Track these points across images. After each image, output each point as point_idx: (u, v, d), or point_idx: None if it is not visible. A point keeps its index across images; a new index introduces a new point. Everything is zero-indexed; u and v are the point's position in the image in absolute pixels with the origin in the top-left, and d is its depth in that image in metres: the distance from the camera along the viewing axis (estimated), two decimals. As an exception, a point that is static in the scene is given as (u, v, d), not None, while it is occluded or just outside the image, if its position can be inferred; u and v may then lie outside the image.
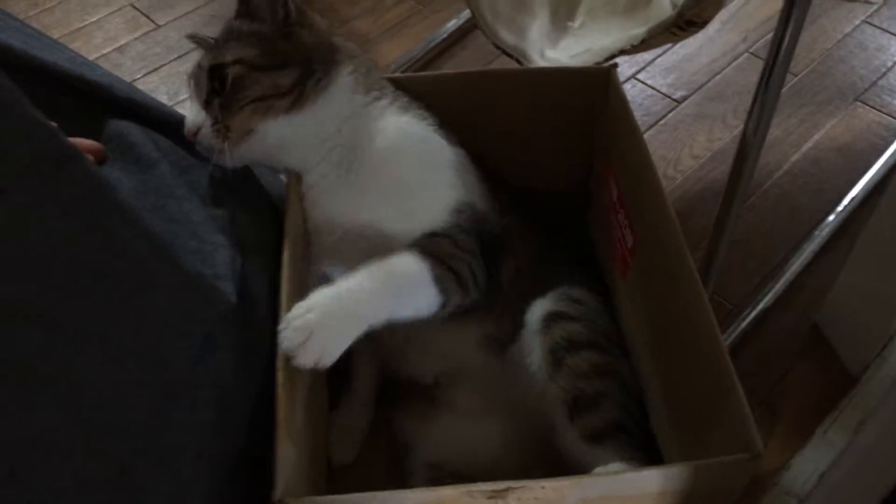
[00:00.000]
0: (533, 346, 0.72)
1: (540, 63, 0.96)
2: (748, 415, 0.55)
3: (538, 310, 0.74)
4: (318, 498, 0.54)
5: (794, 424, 0.88)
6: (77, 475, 0.41)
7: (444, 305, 0.66)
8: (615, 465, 0.63)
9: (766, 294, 1.00)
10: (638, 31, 0.88)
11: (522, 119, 0.82)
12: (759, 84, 0.77)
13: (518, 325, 0.75)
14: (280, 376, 0.58)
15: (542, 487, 0.53)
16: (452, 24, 1.34)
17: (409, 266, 0.65)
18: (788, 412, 0.90)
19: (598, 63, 0.90)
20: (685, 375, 0.66)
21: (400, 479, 0.77)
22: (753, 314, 0.99)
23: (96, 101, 0.61)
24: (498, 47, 0.97)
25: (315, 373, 0.62)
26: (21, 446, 0.40)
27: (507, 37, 0.97)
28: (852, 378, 0.92)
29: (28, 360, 0.38)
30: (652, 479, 0.54)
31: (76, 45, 1.28)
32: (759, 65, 0.77)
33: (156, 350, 0.45)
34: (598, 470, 0.61)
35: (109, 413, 0.43)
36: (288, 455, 0.56)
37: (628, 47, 0.88)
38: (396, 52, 1.32)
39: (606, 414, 0.68)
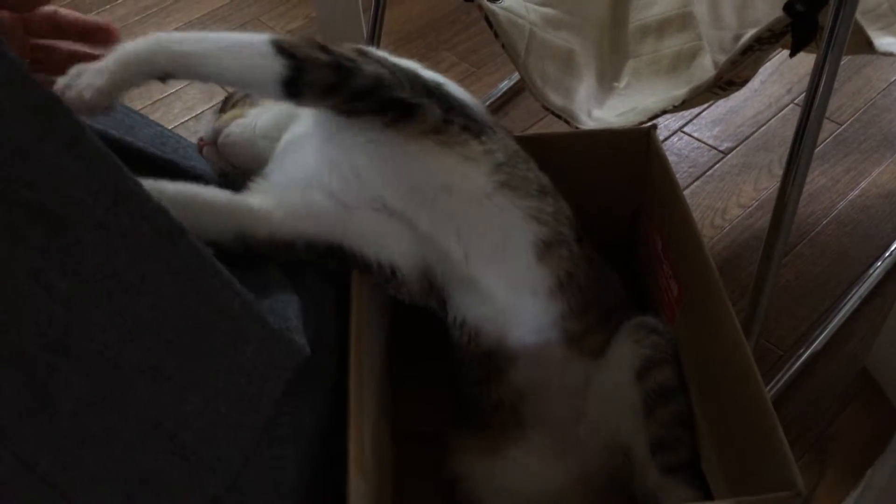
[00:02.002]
0: (624, 388, 0.74)
1: (587, 122, 1.02)
2: (789, 454, 0.59)
3: (628, 348, 0.76)
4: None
5: (844, 468, 0.90)
6: None
7: (293, 80, 0.63)
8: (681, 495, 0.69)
9: (815, 339, 1.03)
10: (679, 91, 0.93)
11: (570, 177, 0.88)
12: (797, 132, 0.82)
13: (596, 335, 0.78)
14: (352, 415, 0.64)
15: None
16: (504, 85, 1.42)
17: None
18: (839, 456, 0.92)
19: (642, 122, 0.96)
20: (730, 417, 0.70)
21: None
22: (803, 359, 1.01)
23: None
24: (547, 108, 1.03)
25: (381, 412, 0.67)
26: (135, 484, 0.46)
27: (555, 99, 1.03)
28: (903, 421, 0.94)
29: (142, 408, 0.45)
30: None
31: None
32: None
33: (245, 395, 0.52)
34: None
35: (207, 452, 0.49)
36: (359, 490, 0.61)
37: (670, 108, 0.93)
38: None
39: (683, 453, 0.73)
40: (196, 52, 0.62)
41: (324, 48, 0.66)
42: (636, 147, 0.86)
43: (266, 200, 0.69)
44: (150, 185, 0.57)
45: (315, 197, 0.71)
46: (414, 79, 0.72)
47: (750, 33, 0.84)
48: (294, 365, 0.56)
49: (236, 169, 0.77)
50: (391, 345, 0.89)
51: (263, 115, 0.77)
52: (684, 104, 0.93)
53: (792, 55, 0.83)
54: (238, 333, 0.51)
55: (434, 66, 1.49)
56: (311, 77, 0.63)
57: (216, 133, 0.77)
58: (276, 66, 0.62)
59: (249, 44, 0.63)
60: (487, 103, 1.39)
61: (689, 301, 0.78)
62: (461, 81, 1.46)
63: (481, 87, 1.44)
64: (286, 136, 0.75)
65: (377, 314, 0.83)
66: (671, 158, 1.28)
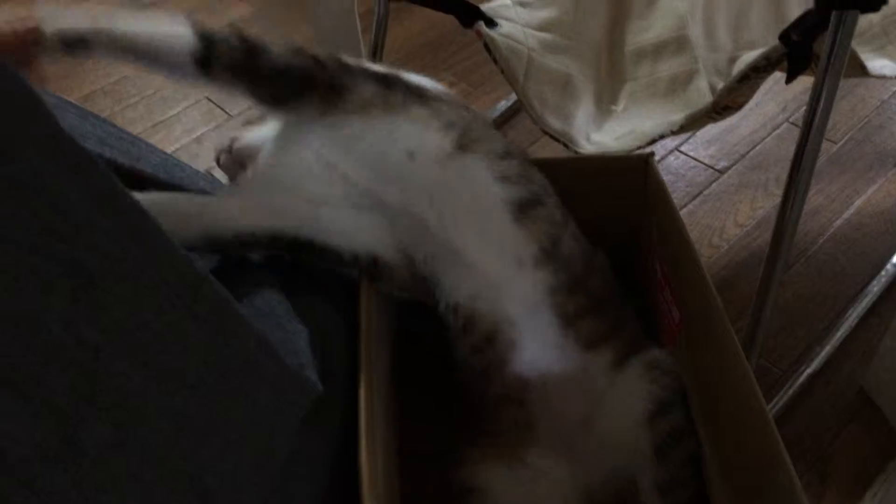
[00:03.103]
0: (635, 426, 0.74)
1: (586, 146, 1.03)
2: (796, 483, 0.60)
3: (641, 386, 0.76)
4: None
5: (843, 487, 0.91)
6: None
7: (205, 55, 0.65)
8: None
9: (812, 359, 1.04)
10: (676, 117, 0.95)
11: (569, 202, 0.89)
12: (797, 153, 0.83)
13: (605, 345, 0.78)
14: (363, 448, 0.65)
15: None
16: (502, 105, 1.43)
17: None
18: (838, 475, 0.93)
19: (640, 146, 0.97)
20: (735, 444, 0.71)
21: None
22: (801, 379, 1.02)
23: None
24: (546, 132, 1.04)
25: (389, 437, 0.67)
26: None
27: (554, 123, 1.04)
28: (901, 440, 0.95)
29: (164, 452, 0.46)
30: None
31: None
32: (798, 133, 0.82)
33: (263, 436, 0.53)
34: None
35: (227, 493, 0.50)
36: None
37: (668, 133, 0.95)
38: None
39: (689, 491, 0.74)
40: (120, 24, 0.64)
41: (241, 35, 0.68)
42: (635, 173, 0.88)
43: (232, 199, 0.71)
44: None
45: (281, 193, 0.72)
46: (350, 65, 0.73)
47: (746, 60, 0.85)
48: (307, 402, 0.57)
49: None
50: (396, 368, 0.90)
51: (274, 127, 0.78)
52: (681, 129, 0.94)
53: (788, 82, 0.84)
54: (255, 375, 0.52)
55: (432, 87, 1.51)
56: (220, 52, 0.66)
57: (231, 140, 0.79)
58: (190, 41, 0.66)
59: (169, 21, 0.66)
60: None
61: (690, 325, 0.79)
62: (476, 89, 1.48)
63: (479, 107, 1.45)
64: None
65: (385, 341, 0.84)
66: (668, 178, 1.29)
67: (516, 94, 1.03)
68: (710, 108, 0.91)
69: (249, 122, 0.84)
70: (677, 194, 1.27)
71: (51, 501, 0.40)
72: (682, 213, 1.24)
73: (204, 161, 1.38)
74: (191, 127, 1.45)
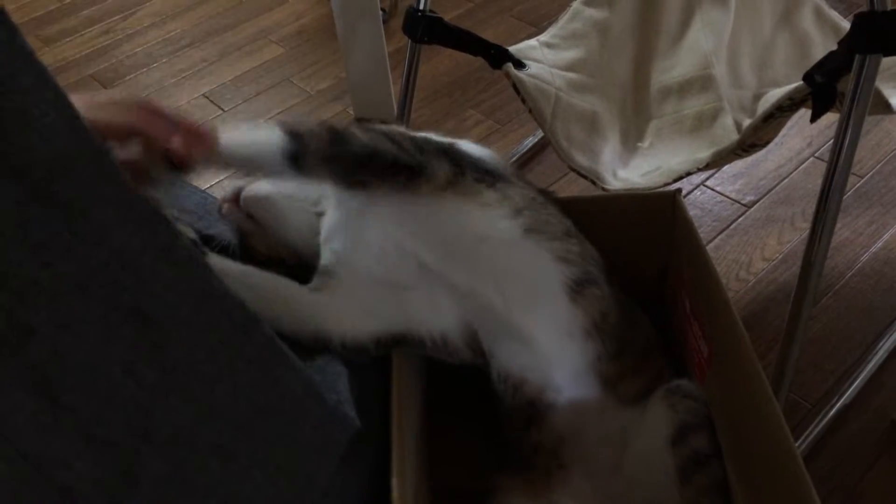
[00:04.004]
0: (659, 452, 0.76)
1: (613, 183, 1.05)
2: (822, 519, 0.60)
3: (663, 412, 0.78)
4: None
5: (878, 523, 0.91)
6: None
7: (295, 147, 0.68)
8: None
9: (843, 393, 1.04)
10: (703, 155, 0.96)
11: (599, 239, 0.91)
12: (823, 188, 0.84)
13: (631, 381, 0.80)
14: (395, 478, 0.66)
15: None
16: (529, 142, 1.46)
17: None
18: (872, 510, 0.93)
19: (666, 183, 0.99)
20: (762, 478, 0.71)
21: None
22: (832, 413, 1.02)
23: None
24: (573, 169, 1.07)
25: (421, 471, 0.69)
26: None
27: (581, 160, 1.06)
28: (935, 476, 0.94)
29: (212, 485, 0.48)
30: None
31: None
32: (824, 168, 0.83)
33: (304, 471, 0.55)
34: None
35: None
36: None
37: (694, 170, 0.96)
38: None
39: None
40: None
41: (324, 123, 0.72)
42: (663, 210, 0.89)
43: (336, 304, 0.74)
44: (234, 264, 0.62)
45: (375, 291, 0.75)
46: (420, 142, 0.76)
47: (770, 99, 0.87)
48: (347, 439, 0.59)
49: (256, 227, 0.81)
50: (427, 402, 0.91)
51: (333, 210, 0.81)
52: (707, 166, 0.96)
53: (813, 121, 0.86)
54: (299, 413, 0.54)
55: (460, 124, 1.55)
56: (309, 146, 0.69)
57: (238, 190, 0.81)
58: (280, 140, 0.69)
59: (257, 126, 0.70)
60: (513, 159, 1.43)
61: (719, 361, 0.80)
62: (487, 138, 1.51)
63: (506, 144, 1.48)
64: (326, 222, 0.79)
65: (416, 376, 0.86)
66: (694, 212, 1.30)
67: (544, 132, 1.05)
68: (735, 146, 0.93)
69: (250, 175, 0.86)
70: (704, 229, 1.28)
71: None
72: (709, 247, 1.25)
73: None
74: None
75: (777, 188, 1.34)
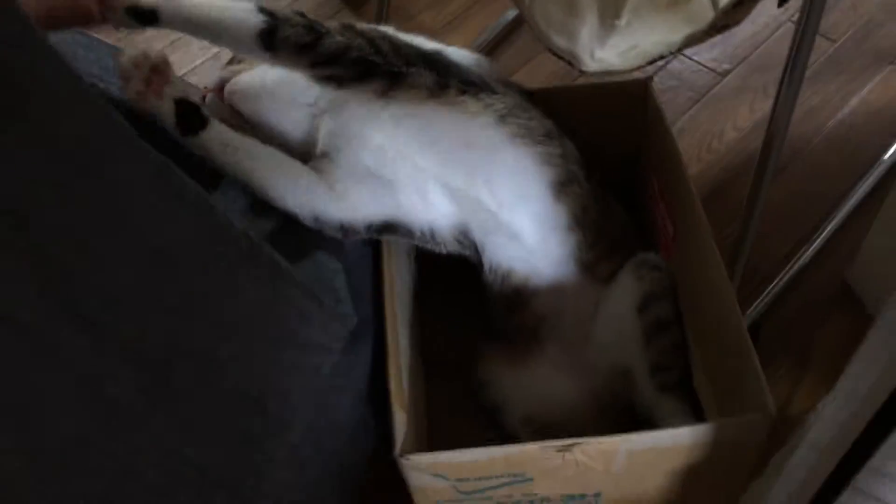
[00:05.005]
0: (626, 319, 0.85)
1: (590, 64, 1.08)
2: (763, 381, 0.70)
3: (631, 283, 0.86)
4: (427, 454, 0.71)
5: (823, 372, 1.02)
6: None
7: (269, 30, 0.72)
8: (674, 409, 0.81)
9: (801, 255, 1.13)
10: (676, 38, 0.99)
11: (575, 125, 0.96)
12: (789, 52, 0.87)
13: (606, 264, 0.88)
14: (390, 362, 0.76)
15: (600, 443, 0.70)
16: (511, 14, 1.46)
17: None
18: (819, 361, 1.03)
19: (641, 65, 1.02)
20: (716, 345, 0.81)
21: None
22: (790, 274, 1.11)
23: None
24: (551, 51, 1.09)
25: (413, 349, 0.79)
26: (234, 439, 0.59)
27: (559, 41, 1.09)
28: (878, 329, 1.04)
29: (237, 383, 0.57)
30: (684, 436, 0.70)
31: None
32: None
33: (312, 364, 0.64)
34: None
35: (285, 411, 0.61)
36: (401, 420, 0.73)
37: (667, 53, 1.00)
38: (460, 43, 1.44)
39: (676, 374, 0.84)
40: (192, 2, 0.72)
41: (304, 15, 0.75)
42: (635, 96, 0.94)
43: (336, 189, 0.80)
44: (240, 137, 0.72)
45: (369, 182, 0.80)
46: (404, 48, 0.81)
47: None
48: (346, 333, 0.68)
49: (240, 120, 0.84)
50: (419, 281, 1.00)
51: (271, 71, 0.83)
52: (679, 49, 0.99)
53: (780, 5, 0.89)
54: (303, 319, 0.62)
55: (439, -8, 1.53)
56: (285, 33, 0.73)
57: (222, 82, 0.84)
58: (255, 20, 0.73)
59: (235, 3, 0.74)
60: (495, 34, 1.44)
61: (682, 239, 0.88)
62: (468, 11, 1.51)
63: (489, 15, 1.49)
64: (328, 124, 0.83)
65: (405, 260, 0.94)
66: (671, 83, 1.34)
67: (522, 14, 1.07)
68: (707, 28, 0.96)
69: (232, 64, 0.88)
70: (680, 99, 1.32)
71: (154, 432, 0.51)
72: (685, 118, 1.30)
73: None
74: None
75: (752, 56, 1.37)
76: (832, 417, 0.72)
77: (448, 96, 0.80)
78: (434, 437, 0.93)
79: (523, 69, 1.39)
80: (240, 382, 0.57)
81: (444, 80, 0.80)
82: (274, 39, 0.73)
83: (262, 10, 0.73)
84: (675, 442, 0.71)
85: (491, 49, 1.44)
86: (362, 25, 0.81)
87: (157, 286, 0.51)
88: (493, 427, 0.95)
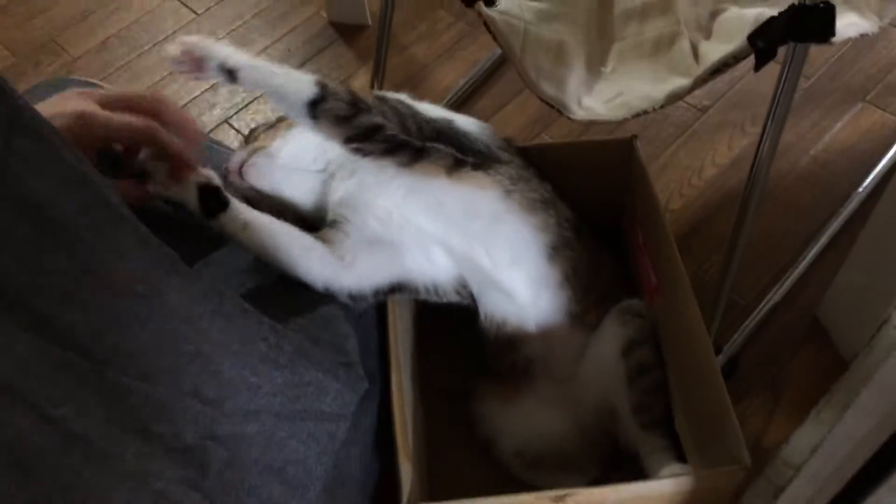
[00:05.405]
0: (611, 361, 0.92)
1: (577, 112, 1.14)
2: (740, 435, 0.77)
3: (615, 329, 0.93)
4: (434, 504, 0.77)
5: (794, 405, 1.09)
6: None
7: (317, 100, 0.79)
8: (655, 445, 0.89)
9: (774, 292, 1.20)
10: (659, 95, 1.06)
11: (568, 179, 1.02)
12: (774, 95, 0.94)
13: (594, 313, 0.95)
14: (396, 414, 0.82)
15: (591, 493, 0.76)
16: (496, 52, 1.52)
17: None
18: (790, 395, 1.11)
19: (626, 117, 1.09)
20: (696, 395, 0.87)
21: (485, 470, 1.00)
22: (764, 310, 1.18)
23: None
24: (541, 99, 1.15)
25: (419, 405, 0.85)
26: None
27: (548, 89, 1.15)
28: (846, 364, 1.11)
29: (258, 457, 0.63)
30: (667, 486, 0.77)
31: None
32: (777, 70, 0.91)
33: (328, 431, 0.70)
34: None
35: (304, 478, 0.67)
36: (406, 472, 0.79)
37: (651, 109, 1.06)
38: (451, 76, 1.50)
39: (658, 412, 0.91)
40: (262, 65, 0.80)
41: (352, 92, 0.83)
42: (621, 152, 1.01)
43: (345, 260, 0.86)
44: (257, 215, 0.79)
45: (376, 249, 0.87)
46: (424, 122, 0.89)
47: (715, 55, 0.96)
48: (357, 399, 0.74)
49: (259, 194, 0.91)
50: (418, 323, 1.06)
51: (284, 148, 0.92)
52: (663, 106, 1.06)
53: (756, 71, 0.95)
54: (321, 393, 0.69)
55: (432, 26, 1.59)
56: (330, 105, 0.81)
57: (241, 162, 0.91)
58: (310, 90, 0.80)
59: (299, 73, 0.81)
60: (484, 70, 1.49)
61: (665, 291, 0.94)
62: (459, 43, 1.56)
63: (480, 47, 1.54)
64: (339, 191, 0.89)
65: (408, 306, 1.00)
66: (655, 118, 1.40)
67: (515, 67, 1.13)
68: (687, 91, 1.02)
69: (254, 142, 0.95)
70: (663, 135, 1.38)
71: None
72: (666, 154, 1.36)
73: (221, 109, 1.49)
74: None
75: (730, 92, 1.43)
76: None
77: (463, 171, 0.88)
78: (431, 464, 0.99)
79: (513, 101, 1.45)
80: (263, 457, 0.63)
81: (461, 158, 0.86)
82: (318, 109, 0.80)
83: (318, 82, 0.81)
84: (659, 491, 0.77)
85: (485, 81, 1.49)
86: (390, 97, 0.89)
87: (194, 381, 0.56)
88: (487, 457, 1.02)
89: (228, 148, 1.05)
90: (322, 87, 0.81)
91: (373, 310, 0.90)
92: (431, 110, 0.92)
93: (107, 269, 0.51)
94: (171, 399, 0.55)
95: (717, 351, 1.13)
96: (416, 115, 0.89)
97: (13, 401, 0.47)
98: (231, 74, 0.78)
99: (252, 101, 1.51)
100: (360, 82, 1.49)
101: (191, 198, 0.79)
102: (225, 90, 1.52)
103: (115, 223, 0.53)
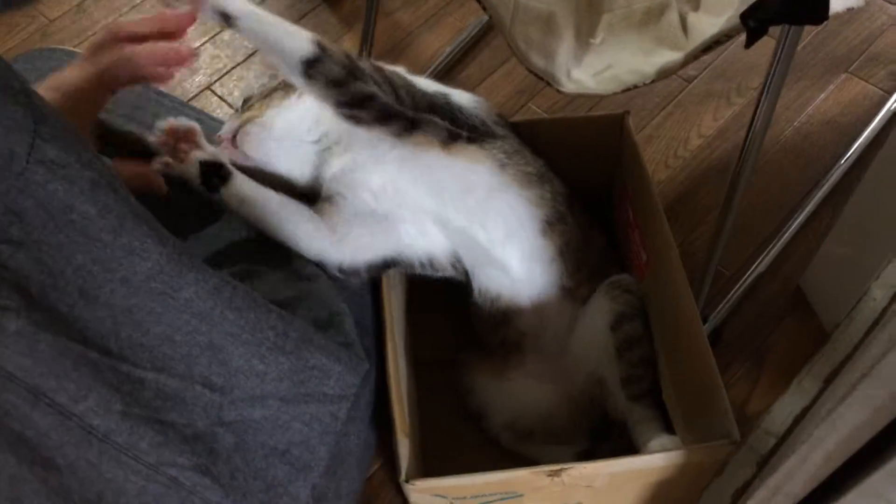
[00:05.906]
0: (600, 335, 0.93)
1: (567, 84, 1.14)
2: (728, 410, 0.79)
3: (605, 303, 0.94)
4: (431, 480, 0.79)
5: (777, 375, 1.12)
6: None
7: (313, 59, 0.78)
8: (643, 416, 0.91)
9: (758, 263, 1.22)
10: (649, 70, 1.06)
11: (559, 155, 1.02)
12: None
13: (585, 287, 0.96)
14: (392, 391, 0.83)
15: (585, 468, 0.78)
16: (484, 17, 1.50)
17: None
18: (773, 364, 1.13)
19: (615, 91, 1.09)
20: (685, 369, 0.89)
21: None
22: (748, 281, 1.20)
23: None
24: (531, 71, 1.15)
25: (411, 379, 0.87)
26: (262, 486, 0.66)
27: (538, 61, 1.14)
28: (827, 335, 1.14)
29: (265, 440, 0.64)
30: (658, 460, 0.79)
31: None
32: (765, 41, 0.91)
33: (330, 412, 0.71)
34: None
35: (307, 457, 0.68)
36: (404, 446, 0.81)
37: (641, 83, 1.06)
38: (437, 42, 1.49)
39: (646, 385, 0.93)
40: (261, 15, 0.79)
41: (349, 56, 0.82)
42: (612, 128, 1.01)
43: (337, 233, 0.86)
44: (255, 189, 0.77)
45: (370, 223, 0.87)
46: (419, 94, 0.88)
47: (708, 30, 0.96)
48: (358, 380, 0.75)
49: (253, 163, 0.90)
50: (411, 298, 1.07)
51: (277, 118, 0.91)
52: (653, 81, 1.06)
53: (747, 48, 0.96)
54: (324, 376, 0.69)
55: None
56: (326, 66, 0.79)
57: (234, 131, 0.90)
58: (306, 47, 0.79)
59: (298, 29, 0.80)
60: (470, 36, 1.48)
61: (654, 265, 0.96)
62: (445, 8, 1.54)
63: (466, 13, 1.52)
64: (334, 166, 0.89)
65: (400, 281, 1.01)
66: (641, 88, 1.40)
67: (505, 39, 1.12)
68: (679, 66, 1.02)
69: (248, 111, 0.93)
70: (649, 105, 1.39)
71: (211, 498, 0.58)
72: (652, 124, 1.37)
73: (203, 75, 1.47)
74: (205, 30, 1.52)
75: (716, 62, 1.43)
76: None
77: (458, 145, 0.87)
78: (424, 435, 1.00)
79: (500, 69, 1.45)
80: (269, 440, 0.64)
81: (455, 131, 0.86)
82: (313, 69, 0.78)
83: (317, 41, 0.79)
84: (651, 465, 0.80)
85: (470, 48, 1.48)
86: (387, 68, 0.88)
87: (205, 371, 0.57)
88: (477, 429, 1.04)
89: (217, 119, 1.04)
90: (320, 47, 0.79)
91: (368, 288, 0.90)
92: (427, 84, 0.91)
93: (125, 268, 0.51)
94: (183, 389, 0.56)
95: (703, 321, 1.15)
96: (410, 86, 0.88)
97: (36, 400, 0.48)
98: (227, 19, 0.76)
99: (235, 67, 1.49)
100: (346, 49, 1.47)
101: (193, 173, 0.79)
102: (207, 55, 1.50)
103: (134, 224, 0.53)
